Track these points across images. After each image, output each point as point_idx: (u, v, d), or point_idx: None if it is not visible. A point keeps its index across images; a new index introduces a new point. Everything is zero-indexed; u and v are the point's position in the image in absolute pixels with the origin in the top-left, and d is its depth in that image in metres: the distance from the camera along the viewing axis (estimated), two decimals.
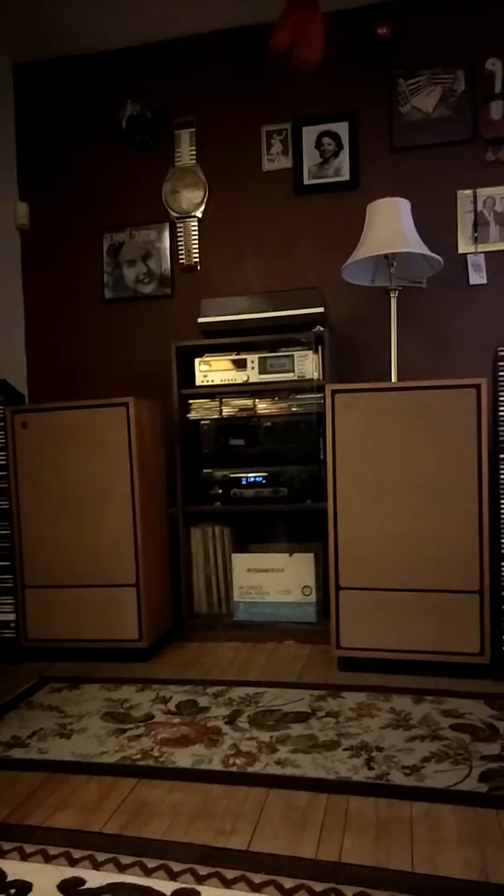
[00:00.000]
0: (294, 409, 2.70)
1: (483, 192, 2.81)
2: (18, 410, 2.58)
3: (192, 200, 3.10)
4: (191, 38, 3.08)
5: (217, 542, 2.81)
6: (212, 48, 3.06)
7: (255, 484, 2.70)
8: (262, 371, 2.68)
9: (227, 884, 1.22)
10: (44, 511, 2.55)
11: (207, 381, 2.73)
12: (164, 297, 3.15)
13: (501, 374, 2.17)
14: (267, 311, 2.70)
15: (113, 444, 2.49)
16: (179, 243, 3.12)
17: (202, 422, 2.79)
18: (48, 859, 1.32)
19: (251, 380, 2.70)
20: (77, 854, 1.33)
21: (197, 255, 3.10)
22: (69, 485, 2.52)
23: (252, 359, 2.69)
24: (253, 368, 2.69)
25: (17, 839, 1.39)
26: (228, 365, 2.72)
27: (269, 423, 2.73)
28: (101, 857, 1.32)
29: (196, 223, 3.10)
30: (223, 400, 2.75)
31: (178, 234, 3.12)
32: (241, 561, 2.75)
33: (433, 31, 2.84)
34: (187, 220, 3.11)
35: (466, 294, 2.84)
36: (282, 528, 2.89)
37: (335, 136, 2.95)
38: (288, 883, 1.21)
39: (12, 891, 1.23)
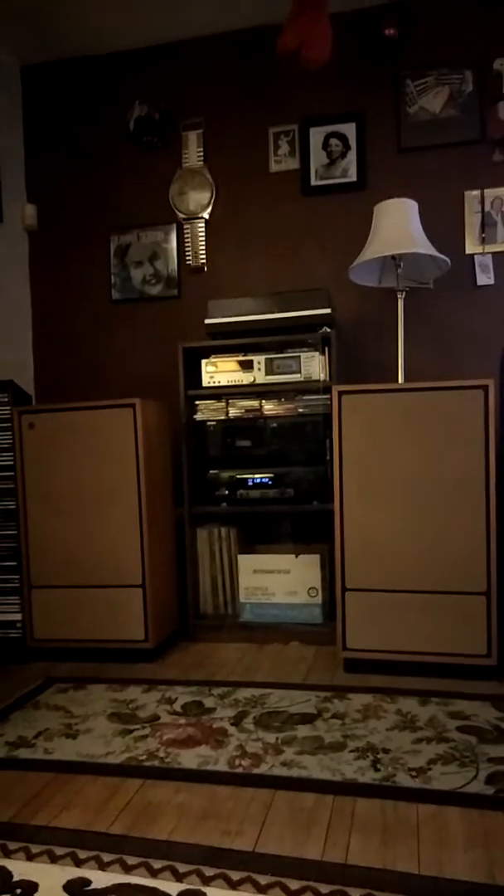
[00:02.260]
0: (300, 410, 2.70)
1: (491, 193, 2.80)
2: (25, 411, 2.58)
3: (200, 201, 3.10)
4: (198, 39, 3.08)
5: (223, 542, 2.81)
6: (219, 49, 3.07)
7: (261, 485, 2.70)
8: (269, 372, 2.68)
9: (233, 885, 1.22)
10: (50, 511, 2.56)
11: (214, 383, 2.73)
12: (171, 299, 3.15)
13: None
14: (274, 313, 2.70)
15: (120, 445, 2.49)
16: (186, 244, 3.12)
17: (209, 423, 2.79)
18: (54, 859, 1.32)
19: (258, 381, 2.70)
20: (83, 854, 1.33)
21: (204, 256, 3.11)
22: (76, 485, 2.53)
23: (258, 360, 2.69)
24: (259, 370, 2.69)
25: (22, 839, 1.39)
26: (235, 366, 2.72)
27: (275, 425, 2.73)
28: (106, 857, 1.32)
29: (203, 224, 3.11)
30: (230, 401, 2.75)
31: (186, 236, 3.12)
32: (247, 562, 2.75)
33: (441, 31, 2.84)
34: (194, 221, 3.11)
35: (474, 295, 2.83)
36: (288, 529, 2.88)
37: (342, 137, 2.94)
38: (294, 884, 1.21)
39: (18, 891, 1.23)
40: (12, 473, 2.59)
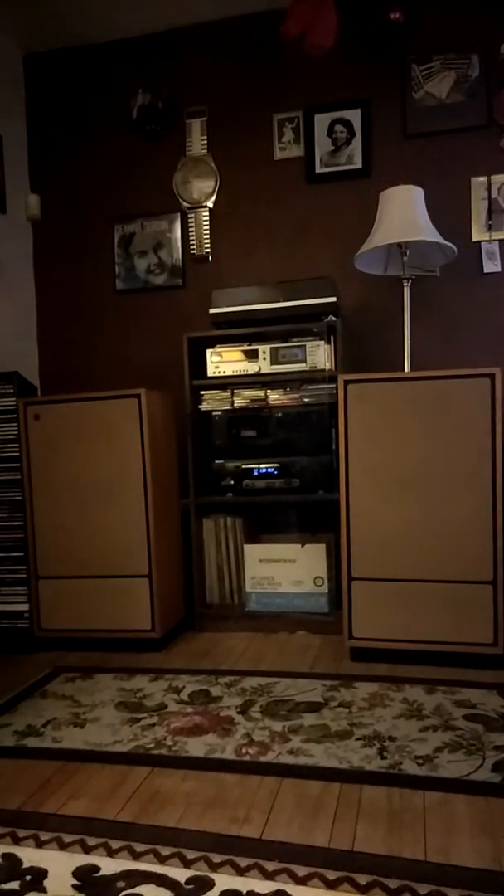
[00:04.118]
0: (306, 399, 2.69)
1: (497, 179, 2.78)
2: (31, 402, 2.58)
3: (204, 190, 3.08)
4: (201, 25, 3.05)
5: (229, 532, 2.81)
6: (223, 36, 3.04)
7: (266, 475, 2.70)
8: (274, 361, 2.68)
9: (241, 871, 1.23)
10: (57, 502, 2.56)
11: (219, 372, 2.73)
12: (176, 288, 3.14)
13: None
14: (279, 302, 2.68)
15: (125, 436, 2.49)
16: (191, 233, 3.11)
17: (214, 413, 2.78)
18: (63, 846, 1.33)
19: (263, 370, 2.69)
20: (92, 841, 1.34)
21: (208, 245, 3.09)
22: (82, 476, 2.53)
23: (264, 349, 2.68)
24: (265, 359, 2.68)
25: (32, 826, 1.41)
26: (240, 356, 2.71)
27: (280, 414, 2.72)
28: (115, 844, 1.33)
29: (207, 213, 3.09)
30: (235, 391, 2.75)
31: (190, 225, 3.11)
32: (253, 552, 2.75)
33: (447, 15, 2.80)
34: (199, 210, 3.09)
35: (480, 282, 2.81)
36: (294, 518, 2.88)
37: (347, 124, 2.92)
38: (301, 871, 1.22)
39: (28, 877, 1.24)
40: (18, 465, 2.59)
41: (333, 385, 2.58)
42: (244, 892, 1.17)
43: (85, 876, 1.24)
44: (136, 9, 2.95)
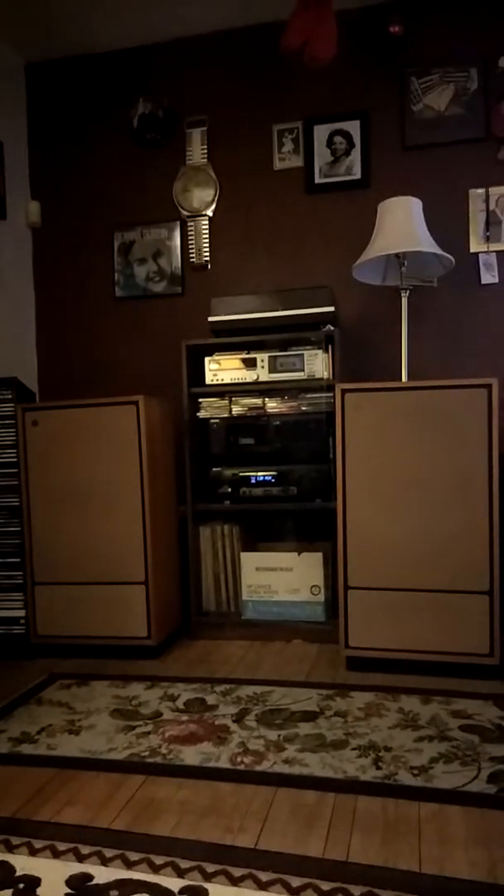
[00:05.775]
0: (304, 408, 2.70)
1: (495, 191, 2.80)
2: (29, 408, 2.59)
3: (203, 199, 3.10)
4: (202, 36, 3.08)
5: (226, 540, 2.81)
6: (224, 46, 3.06)
7: (264, 483, 2.70)
8: (272, 370, 2.68)
9: (235, 882, 1.22)
10: (54, 508, 2.56)
11: (217, 380, 2.73)
12: (175, 296, 3.15)
13: None
14: (277, 310, 2.70)
15: (123, 443, 2.49)
16: (190, 242, 3.12)
17: (212, 420, 2.79)
18: (56, 854, 1.33)
19: (261, 379, 2.70)
20: (85, 850, 1.34)
21: (207, 253, 3.11)
22: (79, 482, 2.53)
23: (262, 358, 2.69)
24: (263, 367, 2.69)
25: (25, 834, 1.40)
26: (238, 364, 2.72)
27: (278, 423, 2.73)
28: (109, 853, 1.32)
29: (207, 222, 3.11)
30: (233, 399, 2.75)
31: (189, 233, 3.12)
32: (249, 560, 2.75)
33: (446, 28, 2.83)
34: (198, 218, 3.11)
35: (478, 293, 2.83)
36: (291, 527, 2.89)
37: (347, 135, 2.94)
38: (295, 881, 1.21)
39: (21, 885, 1.24)
40: (16, 470, 2.59)
41: (331, 394, 2.59)
42: None
43: (78, 884, 1.24)
44: (137, 19, 2.97)
